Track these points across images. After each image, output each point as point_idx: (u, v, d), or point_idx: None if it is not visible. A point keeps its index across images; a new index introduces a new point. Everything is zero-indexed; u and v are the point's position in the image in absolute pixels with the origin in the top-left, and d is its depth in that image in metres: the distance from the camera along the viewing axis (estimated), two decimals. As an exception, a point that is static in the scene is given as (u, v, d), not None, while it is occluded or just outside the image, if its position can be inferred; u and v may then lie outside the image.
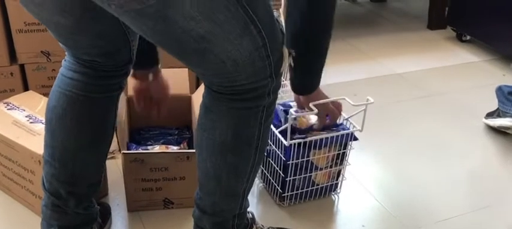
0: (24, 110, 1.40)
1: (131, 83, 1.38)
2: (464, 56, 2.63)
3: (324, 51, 1.15)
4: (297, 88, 1.24)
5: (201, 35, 0.86)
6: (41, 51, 1.69)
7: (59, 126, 1.11)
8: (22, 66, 1.72)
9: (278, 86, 1.03)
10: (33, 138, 1.29)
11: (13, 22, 1.63)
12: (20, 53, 1.69)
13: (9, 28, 1.64)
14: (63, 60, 1.14)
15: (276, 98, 1.05)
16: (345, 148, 1.43)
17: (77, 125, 1.11)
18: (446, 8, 2.90)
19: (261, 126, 1.04)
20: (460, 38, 2.79)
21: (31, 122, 1.35)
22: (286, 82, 1.87)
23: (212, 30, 0.86)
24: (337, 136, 1.38)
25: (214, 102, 1.02)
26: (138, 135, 1.63)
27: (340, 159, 1.45)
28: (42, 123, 1.32)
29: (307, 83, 1.22)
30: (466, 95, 2.20)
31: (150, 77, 1.35)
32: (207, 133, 1.04)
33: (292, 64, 1.12)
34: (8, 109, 1.40)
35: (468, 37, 2.76)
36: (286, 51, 1.01)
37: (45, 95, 1.46)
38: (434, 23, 2.96)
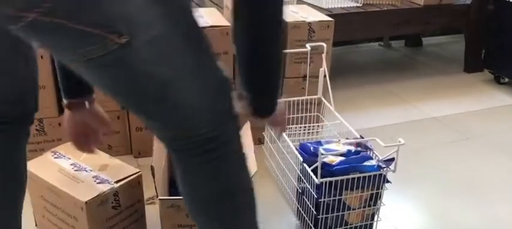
0: (70, 158, 1.47)
1: (73, 118, 1.26)
2: (502, 98, 2.60)
3: (275, 69, 1.06)
4: (258, 111, 1.12)
5: (161, 82, 0.86)
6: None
7: None
8: (69, 118, 1.82)
9: (238, 129, 1.01)
10: (77, 186, 1.35)
11: (61, 77, 1.74)
12: (67, 105, 1.80)
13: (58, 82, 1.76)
14: None
15: (242, 143, 1.02)
16: (378, 189, 1.44)
17: None
18: (483, 51, 2.89)
19: (238, 172, 1.01)
20: (497, 81, 2.77)
21: (76, 170, 1.42)
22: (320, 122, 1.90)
23: (171, 75, 0.87)
24: (369, 177, 1.39)
25: (186, 164, 0.99)
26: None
27: (374, 200, 1.46)
28: (86, 171, 1.39)
29: (267, 105, 1.12)
30: (505, 137, 2.17)
31: (87, 105, 1.24)
32: (192, 199, 1.03)
33: (248, 92, 1.06)
34: (54, 158, 1.48)
35: (506, 79, 2.74)
36: (235, 94, 1.00)
37: (90, 143, 1.54)
38: (471, 66, 2.95)
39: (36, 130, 1.79)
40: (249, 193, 1.05)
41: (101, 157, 1.46)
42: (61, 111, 1.81)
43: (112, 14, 0.78)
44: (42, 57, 1.68)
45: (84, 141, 1.30)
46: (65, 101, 1.21)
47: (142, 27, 0.81)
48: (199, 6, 2.45)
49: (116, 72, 0.85)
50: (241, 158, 1.03)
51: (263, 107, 1.10)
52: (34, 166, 1.43)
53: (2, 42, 0.96)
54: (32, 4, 0.74)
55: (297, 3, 2.39)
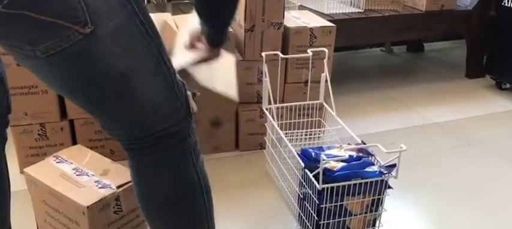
0: (71, 163, 1.48)
1: None
2: (504, 103, 2.60)
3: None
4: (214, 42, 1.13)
5: (122, 73, 0.86)
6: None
7: None
8: (71, 122, 1.83)
9: (194, 127, 1.01)
10: (79, 190, 1.35)
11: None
12: (70, 109, 1.81)
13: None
14: None
15: (197, 141, 1.02)
16: (380, 194, 1.44)
17: None
18: (485, 57, 2.90)
19: (195, 168, 1.01)
20: (499, 86, 2.77)
21: (77, 175, 1.42)
22: (324, 129, 1.91)
23: (132, 65, 0.87)
24: (371, 183, 1.40)
25: (142, 163, 0.99)
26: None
27: (376, 205, 1.46)
28: (88, 176, 1.39)
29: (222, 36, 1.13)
30: (506, 143, 2.17)
31: None
32: (149, 199, 1.02)
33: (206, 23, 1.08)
34: (57, 162, 1.48)
35: (507, 85, 2.74)
36: (189, 93, 1.01)
37: (92, 148, 1.55)
38: (473, 71, 2.95)
39: (38, 134, 1.80)
40: (208, 188, 1.06)
41: (103, 162, 1.47)
42: (63, 115, 1.82)
43: (76, 3, 0.78)
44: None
45: None
46: None
47: (105, 17, 0.82)
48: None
49: (78, 65, 0.84)
50: (199, 154, 1.03)
51: (217, 36, 1.11)
52: (36, 170, 1.43)
53: None
54: None
55: (299, 8, 2.40)
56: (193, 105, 1.00)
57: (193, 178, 1.01)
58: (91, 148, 1.56)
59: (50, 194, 1.39)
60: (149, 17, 0.89)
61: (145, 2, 2.73)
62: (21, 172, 1.83)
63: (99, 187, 1.34)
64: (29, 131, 1.78)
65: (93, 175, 1.40)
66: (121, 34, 0.84)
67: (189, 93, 1.00)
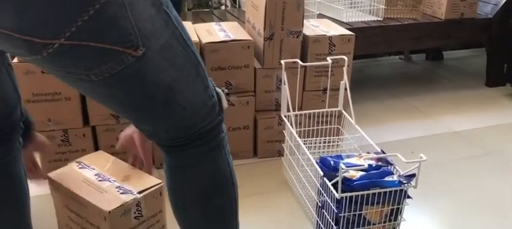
0: (94, 169, 1.50)
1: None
2: (525, 112, 2.58)
3: None
4: None
5: (169, 85, 0.91)
6: (111, 114, 1.84)
7: None
8: (94, 128, 1.86)
9: (224, 120, 1.07)
10: (101, 195, 1.37)
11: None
12: (92, 116, 1.84)
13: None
14: None
15: (226, 134, 1.08)
16: (399, 204, 1.44)
17: None
18: (505, 65, 2.87)
19: (228, 162, 1.07)
20: (520, 95, 2.74)
21: (99, 180, 1.44)
22: (342, 136, 1.91)
23: (176, 77, 0.92)
24: (390, 192, 1.40)
25: (182, 158, 1.04)
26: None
27: (394, 215, 1.46)
28: (109, 181, 1.42)
29: None
30: (527, 152, 2.15)
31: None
32: (188, 191, 1.07)
33: None
34: (79, 168, 1.51)
35: (529, 93, 2.72)
36: (219, 90, 1.06)
37: (114, 154, 1.57)
38: (493, 80, 2.93)
39: (61, 140, 1.83)
40: (237, 185, 1.12)
41: (124, 167, 1.49)
42: (86, 122, 1.85)
43: (129, 29, 0.81)
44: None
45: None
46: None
47: (153, 38, 0.85)
48: (221, 20, 2.48)
49: (129, 85, 0.88)
50: (229, 150, 1.09)
51: None
52: (59, 176, 1.46)
53: None
54: (59, 31, 0.76)
55: (318, 17, 2.41)
56: (225, 102, 1.06)
57: (226, 173, 1.07)
58: (112, 154, 1.58)
59: (72, 199, 1.41)
60: (185, 28, 0.94)
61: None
62: (45, 177, 1.86)
63: (121, 193, 1.36)
64: (52, 137, 1.81)
65: (114, 180, 1.42)
66: (166, 50, 0.89)
67: (219, 90, 1.06)
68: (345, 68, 1.84)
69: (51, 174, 1.46)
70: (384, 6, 2.58)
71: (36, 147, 1.43)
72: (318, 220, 1.57)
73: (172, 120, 0.98)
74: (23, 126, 1.19)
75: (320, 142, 1.94)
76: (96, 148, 1.88)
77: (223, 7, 3.07)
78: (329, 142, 1.95)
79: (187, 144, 1.02)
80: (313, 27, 2.10)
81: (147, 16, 0.84)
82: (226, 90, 1.14)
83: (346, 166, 1.41)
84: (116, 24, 0.80)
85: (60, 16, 0.76)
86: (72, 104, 1.78)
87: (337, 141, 1.96)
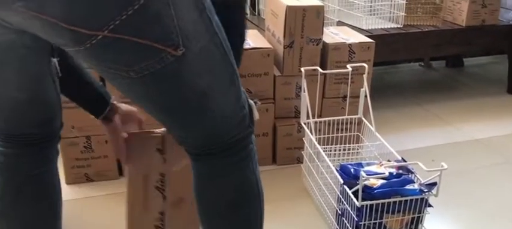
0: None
1: (112, 127, 1.28)
2: (548, 120, 2.54)
3: None
4: None
5: (203, 91, 0.92)
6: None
7: (15, 215, 1.12)
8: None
9: (254, 136, 1.07)
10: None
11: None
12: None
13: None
14: None
15: (254, 145, 1.08)
16: (420, 213, 1.44)
17: (33, 207, 1.13)
18: (527, 72, 2.84)
19: (255, 173, 1.07)
20: (543, 102, 2.71)
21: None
22: (362, 144, 1.91)
23: (211, 83, 0.92)
24: (411, 201, 1.39)
25: (209, 167, 1.04)
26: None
27: (415, 223, 1.45)
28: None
29: None
30: (550, 161, 2.12)
31: (114, 108, 1.27)
32: (214, 201, 1.07)
33: None
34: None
35: (552, 101, 2.68)
36: (251, 102, 1.06)
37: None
38: (515, 87, 2.90)
39: (84, 147, 1.86)
40: (263, 196, 1.12)
41: None
42: (108, 128, 1.87)
43: (171, 28, 0.83)
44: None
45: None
46: (100, 120, 1.26)
47: (193, 40, 0.86)
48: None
49: (166, 84, 0.89)
50: (257, 162, 1.09)
51: None
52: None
53: (39, 73, 1.01)
54: (103, 22, 0.78)
55: (337, 24, 2.41)
56: (256, 114, 1.07)
57: (253, 184, 1.08)
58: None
59: None
60: (225, 36, 0.95)
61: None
62: (67, 183, 1.89)
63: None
64: (75, 143, 1.84)
65: None
66: (204, 55, 0.89)
67: (251, 102, 1.06)
68: (364, 75, 1.84)
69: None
70: (403, 14, 2.57)
71: (123, 119, 1.30)
72: (338, 228, 1.57)
73: (202, 127, 0.99)
74: (60, 137, 1.18)
75: (340, 150, 1.94)
76: (118, 155, 1.90)
77: (242, 14, 3.08)
78: (349, 149, 1.95)
79: (216, 153, 1.02)
80: (332, 34, 2.10)
81: (189, 17, 0.85)
82: (259, 103, 1.13)
83: (367, 174, 1.41)
84: (158, 21, 0.81)
85: (105, 8, 0.77)
86: (95, 111, 1.81)
87: (357, 149, 1.95)
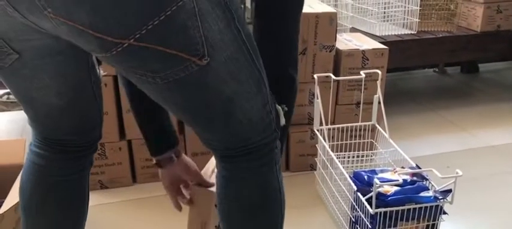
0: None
1: (166, 173, 1.30)
2: None
3: None
4: None
5: (229, 97, 0.92)
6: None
7: (40, 216, 1.13)
8: (129, 142, 1.90)
9: (279, 137, 1.07)
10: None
11: (124, 104, 1.83)
12: (129, 130, 1.88)
13: (121, 109, 1.85)
14: (30, 146, 1.13)
15: (279, 151, 1.08)
16: (434, 220, 1.42)
17: (59, 212, 1.14)
18: (544, 78, 2.81)
19: (278, 179, 1.07)
20: (560, 108, 2.67)
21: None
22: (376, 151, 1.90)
23: (237, 90, 0.93)
24: (426, 208, 1.38)
25: (233, 169, 1.04)
26: None
27: (430, 231, 1.44)
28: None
29: None
30: None
31: (174, 157, 1.29)
32: (235, 202, 1.07)
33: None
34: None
35: None
36: (279, 107, 1.06)
37: (148, 167, 1.59)
38: (531, 93, 2.86)
39: (98, 154, 1.87)
40: (285, 202, 1.11)
41: None
42: (122, 136, 1.89)
43: (197, 38, 0.83)
44: (106, 85, 1.77)
45: (178, 192, 1.36)
46: (154, 160, 1.28)
47: (219, 49, 0.87)
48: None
49: (191, 92, 0.90)
50: (280, 167, 1.09)
51: None
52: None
53: (77, 81, 1.02)
54: (129, 31, 0.79)
55: (351, 31, 2.41)
56: (282, 119, 1.06)
57: (276, 188, 1.07)
58: (147, 167, 1.60)
59: None
60: (254, 43, 0.95)
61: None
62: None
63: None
64: (89, 150, 1.86)
65: None
66: (231, 63, 0.90)
67: (278, 107, 1.06)
68: (378, 82, 1.83)
69: None
70: (417, 19, 2.55)
71: (179, 167, 1.31)
72: (352, 235, 1.56)
73: (228, 132, 0.99)
74: (97, 148, 1.19)
75: (353, 157, 1.93)
76: (132, 162, 1.92)
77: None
78: (362, 156, 1.94)
79: (240, 156, 1.03)
80: (346, 41, 2.10)
81: (216, 27, 0.85)
82: (285, 108, 1.12)
83: (381, 181, 1.40)
84: (184, 32, 0.82)
85: (132, 18, 0.79)
86: (109, 119, 1.82)
87: (371, 156, 1.95)
